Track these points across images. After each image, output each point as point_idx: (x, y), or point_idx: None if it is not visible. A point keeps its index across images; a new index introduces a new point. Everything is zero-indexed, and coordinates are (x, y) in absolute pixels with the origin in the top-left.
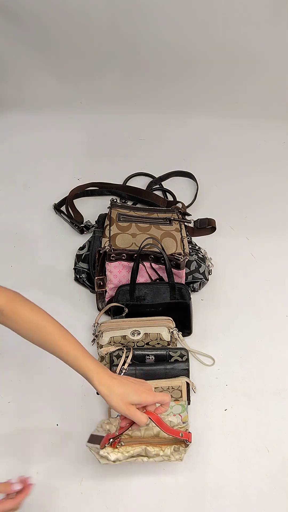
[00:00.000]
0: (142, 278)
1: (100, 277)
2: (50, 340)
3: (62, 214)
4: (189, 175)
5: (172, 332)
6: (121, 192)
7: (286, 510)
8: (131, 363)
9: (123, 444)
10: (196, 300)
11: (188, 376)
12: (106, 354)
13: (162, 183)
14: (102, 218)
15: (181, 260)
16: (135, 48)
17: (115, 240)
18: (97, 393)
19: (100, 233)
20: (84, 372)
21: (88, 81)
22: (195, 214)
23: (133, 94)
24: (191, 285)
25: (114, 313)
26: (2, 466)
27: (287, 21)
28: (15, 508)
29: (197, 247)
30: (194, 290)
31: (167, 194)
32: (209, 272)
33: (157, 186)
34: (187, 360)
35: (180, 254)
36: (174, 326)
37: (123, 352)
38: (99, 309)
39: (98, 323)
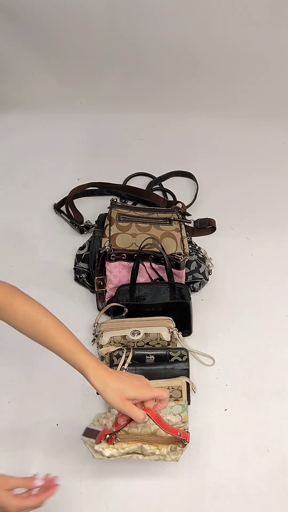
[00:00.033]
0: (142, 278)
1: (100, 277)
2: (46, 334)
3: (62, 214)
4: (189, 175)
5: (172, 332)
6: (121, 192)
7: (286, 510)
8: (131, 363)
9: (119, 440)
10: (196, 300)
11: (188, 376)
12: (106, 354)
13: (162, 183)
14: (102, 218)
15: (181, 260)
16: (135, 48)
17: (115, 240)
18: (97, 393)
19: (100, 233)
20: (80, 367)
21: (88, 81)
22: (195, 214)
23: (133, 94)
24: (191, 285)
25: (114, 313)
26: (2, 466)
27: (287, 21)
28: (37, 505)
29: (197, 247)
30: (194, 290)
31: (167, 194)
32: (209, 272)
33: (157, 186)
34: (187, 360)
35: (180, 254)
36: (174, 326)
37: (123, 352)
38: (99, 309)
39: (98, 323)
